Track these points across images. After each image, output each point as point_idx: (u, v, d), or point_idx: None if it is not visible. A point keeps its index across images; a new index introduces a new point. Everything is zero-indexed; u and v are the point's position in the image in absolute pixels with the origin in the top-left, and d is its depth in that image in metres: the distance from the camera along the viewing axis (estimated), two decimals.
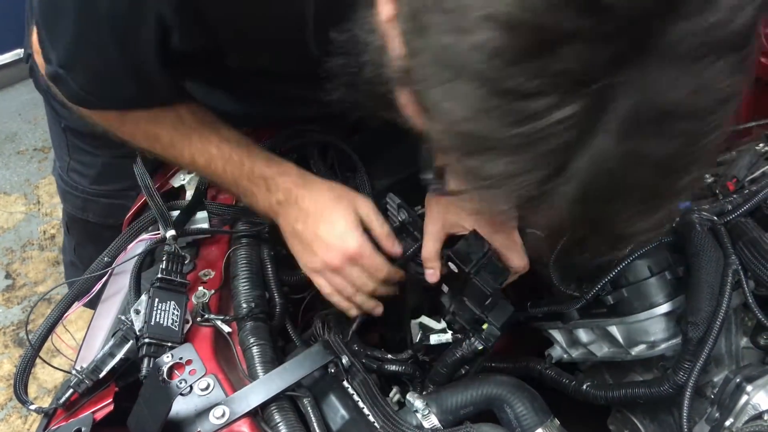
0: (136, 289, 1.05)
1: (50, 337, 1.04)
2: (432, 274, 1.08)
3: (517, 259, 1.07)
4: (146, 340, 0.92)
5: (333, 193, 1.03)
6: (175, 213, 1.11)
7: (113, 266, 1.10)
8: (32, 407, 0.96)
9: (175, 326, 0.95)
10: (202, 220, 1.13)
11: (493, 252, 1.03)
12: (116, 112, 1.01)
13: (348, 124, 1.25)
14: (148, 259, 1.11)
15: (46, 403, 0.98)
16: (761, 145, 1.18)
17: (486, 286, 1.01)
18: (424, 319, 1.10)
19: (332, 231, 1.00)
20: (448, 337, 1.07)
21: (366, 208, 1.04)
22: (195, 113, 1.03)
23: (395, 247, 1.06)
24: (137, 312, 0.95)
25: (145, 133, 1.03)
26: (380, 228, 1.04)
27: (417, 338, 1.09)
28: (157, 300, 0.96)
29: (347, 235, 1.00)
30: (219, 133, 1.03)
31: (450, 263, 1.04)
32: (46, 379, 2.25)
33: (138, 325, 0.93)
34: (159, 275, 0.99)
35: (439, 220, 1.08)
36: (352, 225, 1.00)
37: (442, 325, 1.08)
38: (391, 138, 1.24)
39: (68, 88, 0.96)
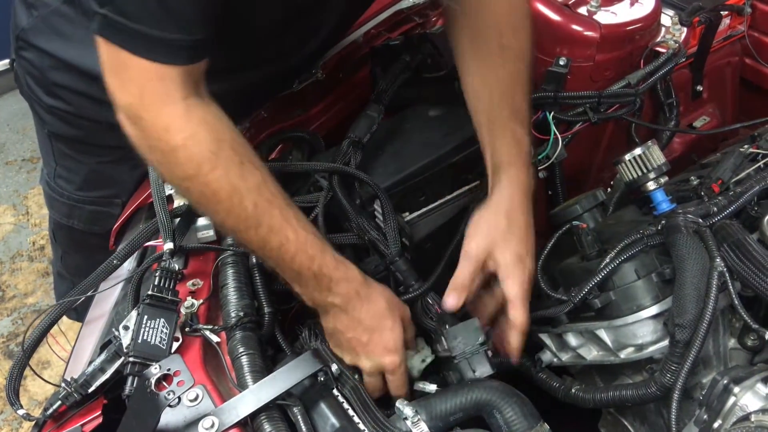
0: (135, 302, 1.05)
1: (42, 347, 1.05)
2: (452, 303, 1.06)
3: (518, 279, 1.05)
4: (131, 359, 0.91)
5: (387, 304, 1.04)
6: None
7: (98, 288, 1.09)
8: (21, 412, 0.96)
9: (163, 344, 0.94)
10: (205, 226, 1.12)
11: (490, 346, 1.05)
12: (209, 150, 0.91)
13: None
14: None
15: (36, 415, 0.98)
16: (746, 146, 1.18)
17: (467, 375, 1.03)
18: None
19: (379, 345, 1.03)
20: (432, 388, 1.06)
21: (407, 318, 1.07)
22: (274, 182, 0.98)
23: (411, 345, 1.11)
24: (126, 328, 0.94)
25: (231, 188, 0.92)
26: (409, 336, 1.08)
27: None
28: (146, 317, 0.94)
29: (392, 354, 1.03)
30: (296, 215, 0.98)
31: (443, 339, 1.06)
32: (37, 391, 2.23)
33: (125, 342, 0.93)
34: (150, 292, 0.98)
35: (487, 244, 1.07)
36: (399, 344, 1.04)
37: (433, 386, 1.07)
38: (385, 142, 1.24)
39: (121, 29, 0.85)
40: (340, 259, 1.02)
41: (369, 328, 1.02)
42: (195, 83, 0.92)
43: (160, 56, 0.87)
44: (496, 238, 1.07)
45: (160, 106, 0.89)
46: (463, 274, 1.07)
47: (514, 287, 1.05)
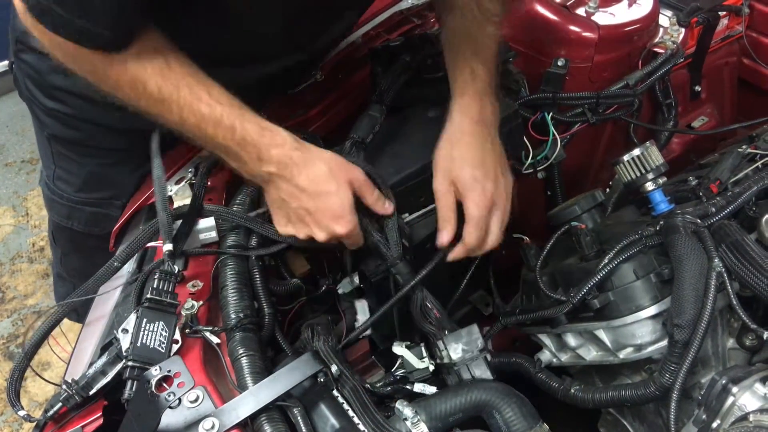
0: (137, 305, 1.04)
1: (42, 348, 1.05)
2: (445, 238, 1.11)
3: (474, 199, 1.09)
4: (129, 363, 0.91)
5: (328, 167, 1.02)
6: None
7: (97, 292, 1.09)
8: (21, 413, 0.96)
9: (162, 347, 0.93)
10: (206, 228, 1.12)
11: (489, 351, 1.06)
12: (103, 52, 0.94)
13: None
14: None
15: (37, 416, 0.98)
16: (744, 147, 1.19)
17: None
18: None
19: (326, 212, 1.00)
20: (432, 390, 1.06)
21: (359, 180, 1.05)
22: (183, 63, 0.98)
23: (387, 208, 1.09)
24: (125, 331, 0.94)
25: (132, 80, 0.96)
26: (371, 197, 1.07)
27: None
28: (145, 320, 0.94)
29: (341, 219, 1.01)
30: (209, 91, 0.98)
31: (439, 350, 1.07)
32: (37, 392, 2.23)
33: (124, 345, 0.93)
34: (149, 295, 0.97)
35: (447, 176, 1.11)
36: (347, 207, 1.01)
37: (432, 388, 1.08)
38: (384, 143, 1.25)
39: (51, 13, 0.90)
40: (265, 125, 1.00)
41: (312, 194, 1.00)
42: None
43: (78, 40, 0.92)
44: (452, 168, 1.11)
45: None
46: (442, 211, 1.12)
47: (470, 207, 1.10)
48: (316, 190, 1.00)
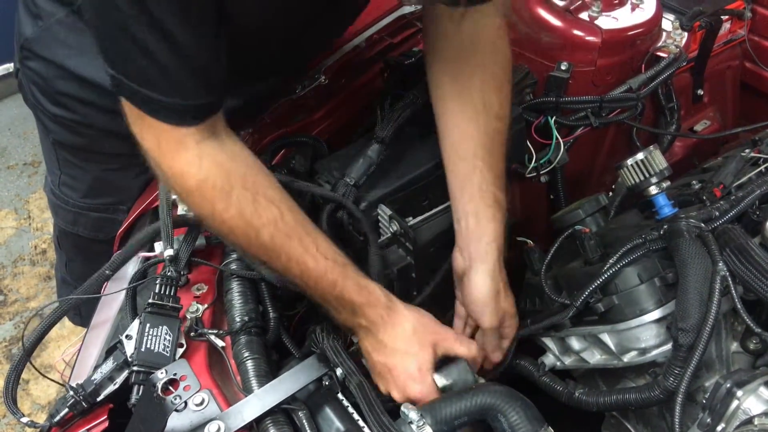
0: (132, 310, 1.05)
1: (45, 351, 1.05)
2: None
3: (487, 314, 1.12)
4: (135, 368, 0.92)
5: (413, 328, 1.04)
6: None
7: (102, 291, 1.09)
8: (24, 419, 0.96)
9: (167, 351, 0.94)
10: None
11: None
12: (222, 191, 0.95)
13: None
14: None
15: (40, 419, 0.98)
16: (747, 150, 1.19)
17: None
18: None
19: (403, 372, 1.02)
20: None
21: (447, 340, 1.06)
22: (294, 212, 1.01)
23: (496, 358, 1.16)
24: (129, 337, 0.94)
25: (245, 227, 0.97)
26: (469, 352, 1.07)
27: None
28: (148, 325, 0.95)
29: (416, 383, 1.02)
30: (317, 243, 1.00)
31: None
32: (40, 395, 2.23)
33: (129, 351, 0.93)
34: (151, 300, 0.98)
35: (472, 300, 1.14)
36: (425, 371, 1.02)
37: None
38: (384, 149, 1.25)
39: (133, 91, 0.91)
40: (363, 284, 1.03)
41: (393, 351, 1.03)
42: (211, 125, 0.96)
43: (168, 119, 0.92)
44: (473, 291, 1.13)
45: (174, 153, 0.94)
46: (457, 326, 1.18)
47: (484, 321, 1.13)
48: (399, 348, 1.03)
